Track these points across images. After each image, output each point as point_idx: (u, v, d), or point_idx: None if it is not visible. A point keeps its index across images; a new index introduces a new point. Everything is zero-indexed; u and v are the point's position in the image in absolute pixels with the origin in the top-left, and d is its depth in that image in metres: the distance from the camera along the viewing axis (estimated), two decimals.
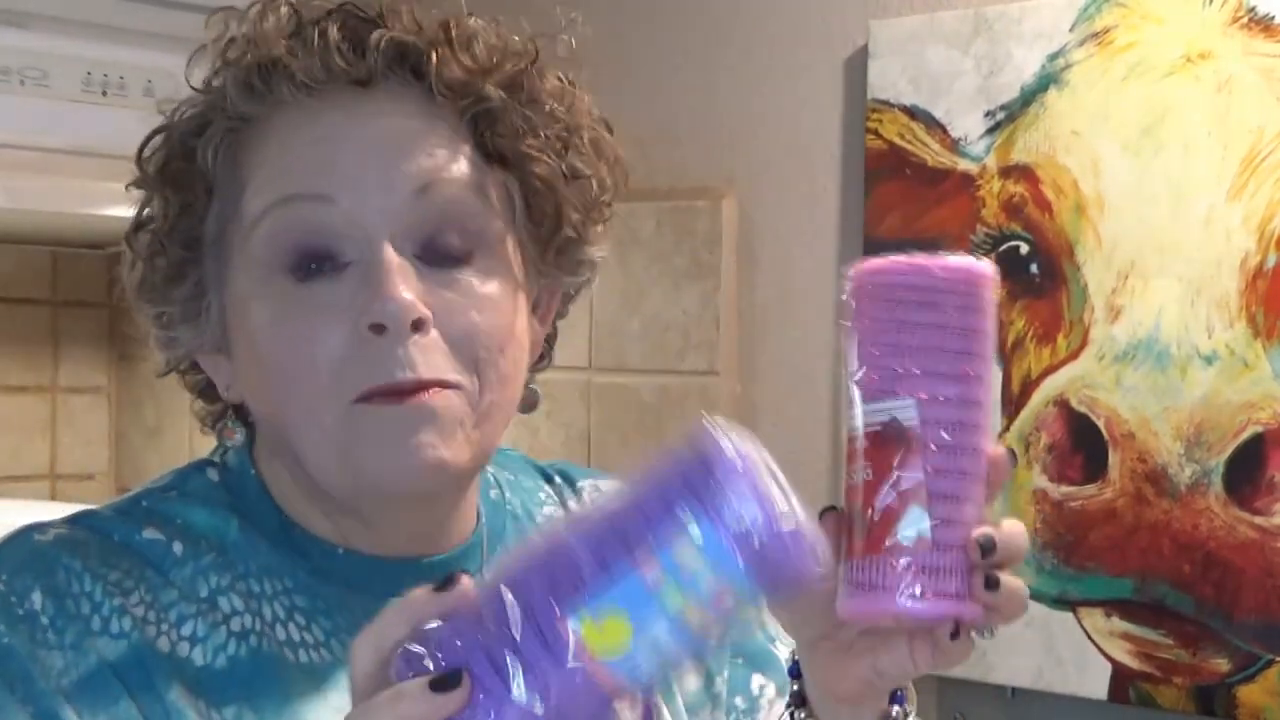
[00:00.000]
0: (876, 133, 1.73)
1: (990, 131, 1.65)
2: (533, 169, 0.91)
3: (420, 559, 0.93)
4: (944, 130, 1.68)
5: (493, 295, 0.88)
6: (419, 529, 0.93)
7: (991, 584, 0.78)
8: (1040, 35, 1.61)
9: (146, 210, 0.92)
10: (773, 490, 0.67)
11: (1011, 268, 1.63)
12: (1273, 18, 1.47)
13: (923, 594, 0.77)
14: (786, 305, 1.86)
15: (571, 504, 1.06)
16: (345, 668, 0.80)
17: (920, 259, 0.79)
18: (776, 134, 1.87)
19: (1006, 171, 1.63)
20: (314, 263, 0.86)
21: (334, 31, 0.88)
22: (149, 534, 0.90)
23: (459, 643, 0.67)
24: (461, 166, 0.89)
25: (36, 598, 0.85)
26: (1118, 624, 1.56)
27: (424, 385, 0.85)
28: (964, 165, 1.67)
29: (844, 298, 0.80)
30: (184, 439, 2.47)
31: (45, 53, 1.90)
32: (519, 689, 0.65)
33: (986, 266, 0.80)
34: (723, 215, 1.89)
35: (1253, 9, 1.48)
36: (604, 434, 1.97)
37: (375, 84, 0.89)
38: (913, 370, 0.78)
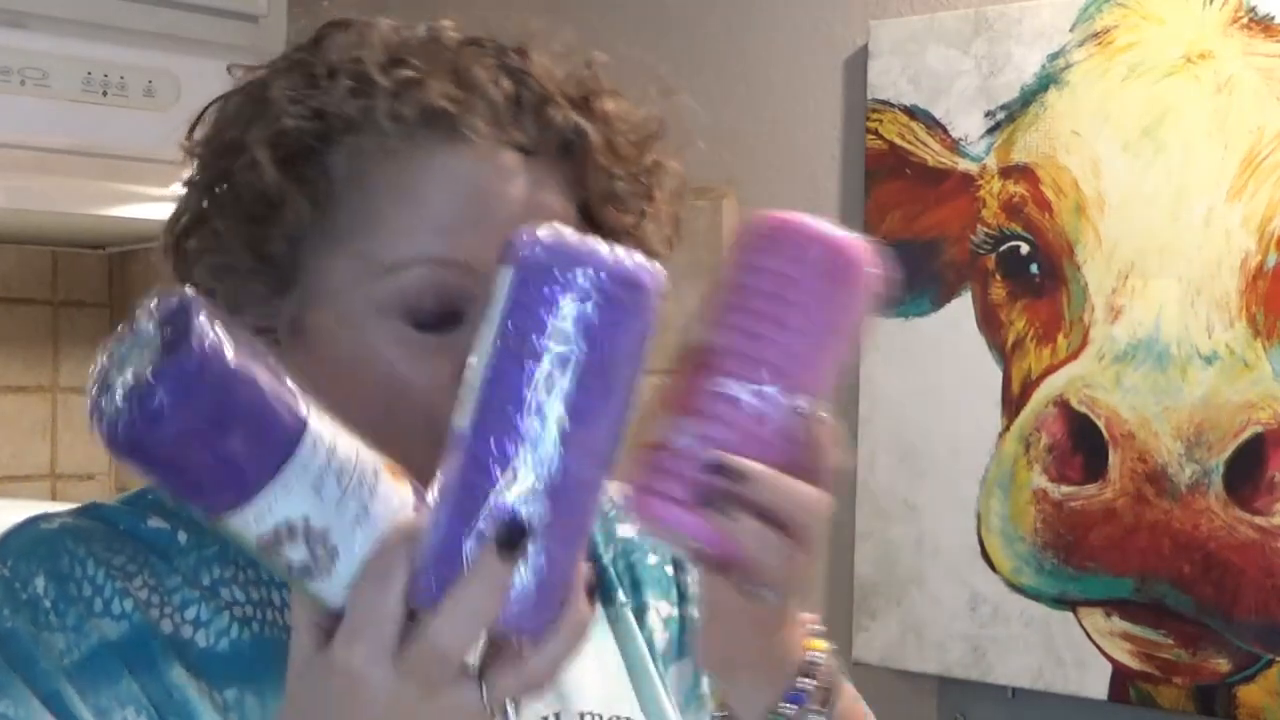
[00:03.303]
0: (876, 133, 1.73)
1: (990, 131, 1.65)
2: (626, 245, 0.97)
3: None
4: (944, 130, 1.68)
5: None
6: None
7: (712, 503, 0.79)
8: (1040, 35, 1.61)
9: (245, 177, 0.89)
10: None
11: (1011, 268, 1.63)
12: (1273, 18, 1.47)
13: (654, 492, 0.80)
14: None
15: None
16: None
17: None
18: (776, 134, 1.87)
19: (1007, 171, 1.63)
20: (438, 317, 0.88)
21: (507, 88, 0.89)
22: (154, 523, 0.92)
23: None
24: None
25: (39, 582, 0.87)
26: (1118, 624, 1.56)
27: None
28: (964, 165, 1.67)
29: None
30: None
31: (45, 53, 1.90)
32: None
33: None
34: (723, 215, 1.89)
35: (1253, 9, 1.48)
36: None
37: (535, 156, 0.90)
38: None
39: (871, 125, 1.74)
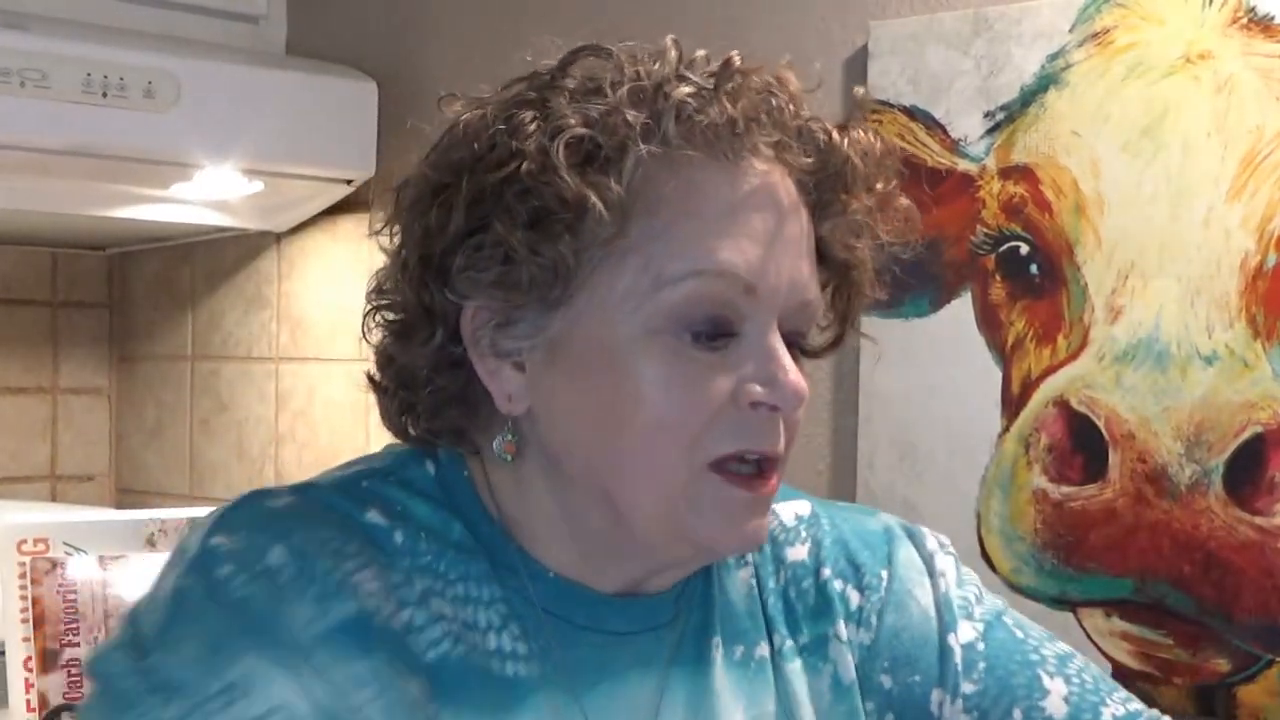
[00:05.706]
0: (876, 133, 1.73)
1: (990, 132, 1.65)
2: (853, 275, 0.98)
3: (620, 597, 0.95)
4: (944, 130, 1.68)
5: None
6: (644, 576, 0.95)
7: None
8: (1040, 35, 1.61)
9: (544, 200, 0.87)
10: None
11: (1011, 268, 1.63)
12: (1273, 18, 1.47)
13: None
14: None
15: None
16: (542, 689, 0.87)
17: None
18: None
19: (1006, 172, 1.63)
20: (713, 332, 0.88)
21: (777, 110, 0.92)
22: (372, 517, 0.90)
23: None
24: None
25: (278, 552, 0.84)
26: (1118, 624, 1.56)
27: (775, 461, 0.91)
28: (964, 165, 1.67)
29: None
30: (184, 439, 2.47)
31: (45, 53, 1.90)
32: None
33: None
34: None
35: (1253, 9, 1.48)
36: None
37: (797, 176, 0.93)
38: None
39: (871, 125, 1.73)
